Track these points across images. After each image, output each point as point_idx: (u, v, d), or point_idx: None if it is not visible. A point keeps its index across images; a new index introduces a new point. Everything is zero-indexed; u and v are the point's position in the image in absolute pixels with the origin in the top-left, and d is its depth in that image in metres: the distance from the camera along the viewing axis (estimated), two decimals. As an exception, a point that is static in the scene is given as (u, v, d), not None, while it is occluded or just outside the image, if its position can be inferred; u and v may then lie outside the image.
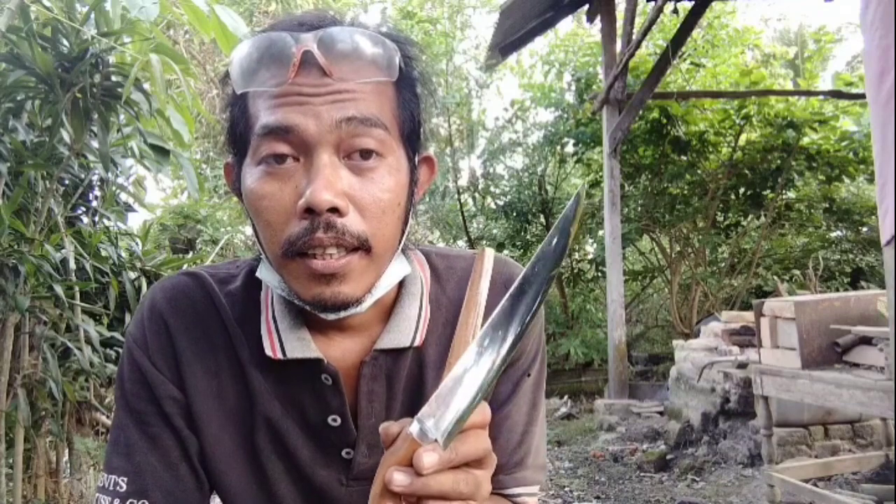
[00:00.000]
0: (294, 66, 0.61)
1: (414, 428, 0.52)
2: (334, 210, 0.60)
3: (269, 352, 0.70)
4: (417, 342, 0.73)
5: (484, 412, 0.56)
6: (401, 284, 0.74)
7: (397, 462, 0.52)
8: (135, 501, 0.70)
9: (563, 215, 0.57)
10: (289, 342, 0.70)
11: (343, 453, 0.73)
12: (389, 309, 0.73)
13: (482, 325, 0.59)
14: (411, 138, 0.69)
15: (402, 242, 0.70)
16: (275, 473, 0.74)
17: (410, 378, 0.74)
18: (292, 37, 0.62)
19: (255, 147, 0.64)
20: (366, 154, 0.63)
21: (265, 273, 0.70)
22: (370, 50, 0.63)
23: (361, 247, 0.63)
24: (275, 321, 0.71)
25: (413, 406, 0.74)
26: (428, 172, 0.75)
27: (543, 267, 0.55)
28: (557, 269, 0.56)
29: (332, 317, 0.66)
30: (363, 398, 0.72)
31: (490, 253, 0.62)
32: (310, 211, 0.60)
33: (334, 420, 0.72)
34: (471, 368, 0.53)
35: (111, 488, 0.70)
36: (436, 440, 0.51)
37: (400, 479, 0.50)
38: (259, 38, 0.63)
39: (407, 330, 0.72)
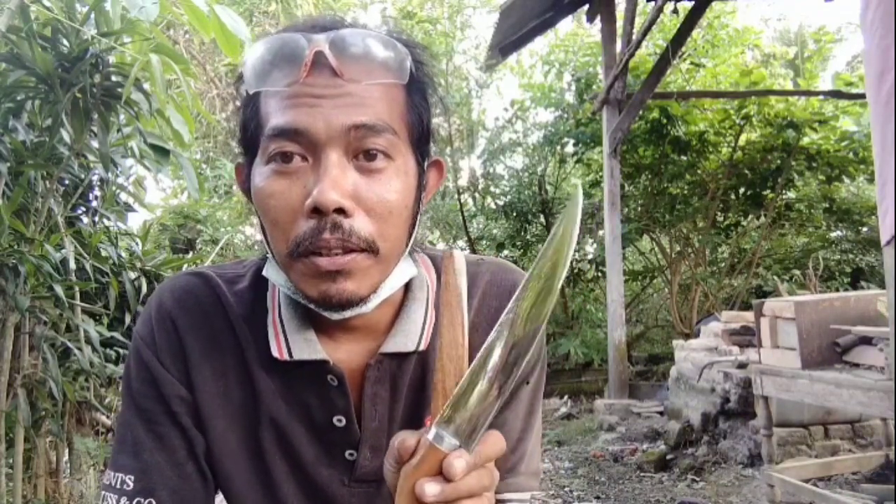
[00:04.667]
0: (306, 66, 0.62)
1: (432, 435, 0.52)
2: (341, 211, 0.61)
3: (275, 353, 0.70)
4: (422, 347, 0.73)
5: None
6: (407, 287, 0.74)
7: (423, 473, 0.52)
8: (142, 500, 0.70)
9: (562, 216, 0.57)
10: (295, 343, 0.70)
11: (346, 454, 0.73)
12: (395, 312, 0.74)
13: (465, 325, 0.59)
14: (420, 142, 0.69)
15: (410, 246, 0.70)
16: (279, 473, 0.74)
17: (414, 382, 0.74)
18: (305, 37, 0.63)
19: (264, 147, 0.64)
20: (374, 155, 0.63)
21: (271, 272, 0.70)
22: (382, 53, 0.64)
23: (368, 249, 0.63)
24: (281, 322, 0.71)
25: (416, 409, 0.74)
26: (437, 177, 0.75)
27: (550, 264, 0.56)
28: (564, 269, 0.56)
29: (336, 316, 0.66)
30: (367, 401, 0.72)
31: (459, 253, 0.63)
32: (317, 211, 0.61)
33: (339, 420, 0.72)
34: (487, 371, 0.53)
35: (118, 486, 0.70)
36: (460, 446, 0.52)
37: (433, 489, 0.51)
38: (272, 38, 0.64)
39: (412, 334, 0.72)
